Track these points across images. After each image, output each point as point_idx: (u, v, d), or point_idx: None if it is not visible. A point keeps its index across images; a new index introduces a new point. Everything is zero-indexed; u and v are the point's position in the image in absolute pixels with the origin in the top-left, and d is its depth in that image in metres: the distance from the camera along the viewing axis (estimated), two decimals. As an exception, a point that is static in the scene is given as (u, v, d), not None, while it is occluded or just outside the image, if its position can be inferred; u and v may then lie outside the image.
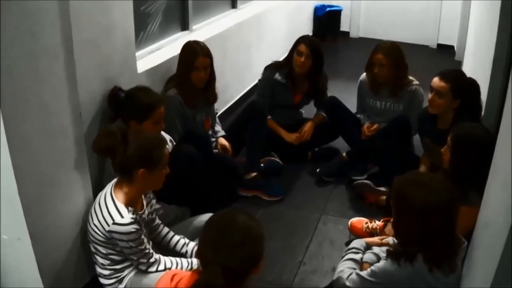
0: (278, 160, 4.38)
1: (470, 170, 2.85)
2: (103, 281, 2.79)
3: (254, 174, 4.00)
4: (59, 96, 2.52)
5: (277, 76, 4.38)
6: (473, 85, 3.50)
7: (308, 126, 4.47)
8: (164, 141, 2.67)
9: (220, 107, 5.07)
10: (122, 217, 2.53)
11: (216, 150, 3.99)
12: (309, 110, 4.74)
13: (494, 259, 1.72)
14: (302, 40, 4.30)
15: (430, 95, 3.53)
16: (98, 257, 2.73)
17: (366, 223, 3.45)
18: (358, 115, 4.51)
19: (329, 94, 4.62)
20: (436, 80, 3.49)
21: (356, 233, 3.48)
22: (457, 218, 2.26)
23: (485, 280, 1.79)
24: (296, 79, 4.40)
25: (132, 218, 2.55)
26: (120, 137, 2.54)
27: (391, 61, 4.08)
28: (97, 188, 2.87)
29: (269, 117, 4.43)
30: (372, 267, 2.43)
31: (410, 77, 4.21)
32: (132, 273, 2.75)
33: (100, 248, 2.68)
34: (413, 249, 2.26)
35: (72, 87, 2.59)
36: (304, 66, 4.26)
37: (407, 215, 2.28)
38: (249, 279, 2.01)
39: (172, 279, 2.06)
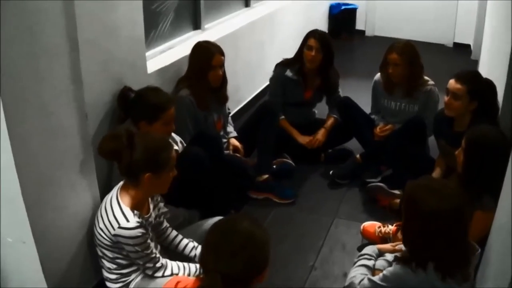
0: (290, 161, 4.31)
1: (483, 174, 2.77)
2: (109, 285, 2.75)
3: (265, 176, 3.95)
4: (60, 96, 2.48)
5: (288, 72, 4.32)
6: (489, 86, 3.40)
7: (320, 135, 4.39)
8: (170, 144, 2.62)
9: (233, 108, 5.01)
10: (127, 221, 2.49)
11: (228, 151, 3.93)
12: (322, 111, 4.66)
13: (509, 266, 1.67)
14: (311, 34, 4.24)
15: (446, 98, 3.44)
16: (104, 261, 2.70)
17: (379, 227, 3.38)
18: (373, 116, 4.43)
19: (343, 92, 4.55)
20: (452, 82, 3.40)
21: (368, 238, 3.41)
22: (469, 226, 2.19)
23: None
24: (307, 74, 4.33)
25: (138, 222, 2.50)
26: (126, 140, 2.48)
27: (406, 60, 4.00)
28: (106, 190, 2.82)
29: (282, 116, 4.38)
30: (384, 272, 2.38)
31: (426, 77, 4.13)
32: (139, 278, 2.70)
33: (106, 252, 2.64)
34: (422, 257, 2.20)
35: (76, 87, 2.55)
36: (314, 60, 4.20)
37: (416, 221, 2.22)
38: (253, 286, 1.96)
39: (176, 286, 2.01)
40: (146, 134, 2.62)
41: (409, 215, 2.27)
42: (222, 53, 3.71)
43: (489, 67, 4.67)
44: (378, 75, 4.31)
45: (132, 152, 2.48)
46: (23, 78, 2.23)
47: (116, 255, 2.63)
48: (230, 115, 4.28)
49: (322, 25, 7.84)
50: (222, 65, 3.71)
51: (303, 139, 4.38)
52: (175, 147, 3.30)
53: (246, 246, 1.89)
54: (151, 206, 2.75)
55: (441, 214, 2.12)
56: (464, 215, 2.17)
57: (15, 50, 2.15)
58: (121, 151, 2.49)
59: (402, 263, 2.27)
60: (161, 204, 2.93)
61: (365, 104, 4.48)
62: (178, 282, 2.04)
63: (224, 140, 4.03)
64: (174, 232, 2.95)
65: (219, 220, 2.05)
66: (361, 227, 3.47)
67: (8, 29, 2.07)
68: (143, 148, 2.49)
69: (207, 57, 3.65)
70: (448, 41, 7.74)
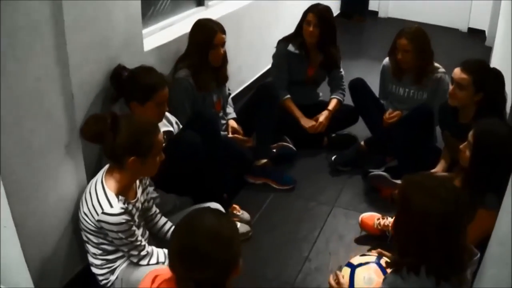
0: (291, 145, 4.19)
1: (489, 171, 2.64)
2: (95, 270, 2.69)
3: (264, 160, 3.84)
4: (45, 77, 2.37)
5: (290, 47, 4.20)
6: (497, 76, 3.25)
7: (324, 117, 4.25)
8: (157, 127, 2.50)
9: (235, 88, 4.90)
10: (111, 206, 2.40)
11: (225, 133, 3.83)
12: (327, 94, 4.51)
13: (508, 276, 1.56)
14: (311, 9, 4.11)
15: (450, 87, 3.31)
16: (90, 246, 2.63)
17: (378, 219, 3.27)
18: (381, 101, 4.29)
19: (355, 75, 4.38)
20: (457, 72, 3.25)
21: (367, 230, 3.32)
22: (465, 230, 2.04)
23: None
24: (309, 49, 4.20)
25: (122, 208, 2.41)
26: (110, 123, 2.38)
27: (415, 47, 3.84)
28: (96, 172, 2.70)
29: (287, 96, 4.26)
30: (382, 285, 2.22)
31: (436, 64, 3.98)
32: (124, 265, 2.64)
33: (91, 237, 2.57)
34: (411, 258, 2.05)
35: (61, 66, 2.44)
36: (312, 35, 4.07)
37: (405, 218, 2.07)
38: (230, 282, 1.86)
39: (153, 281, 1.92)
40: (131, 117, 2.51)
41: (400, 211, 2.13)
42: (224, 32, 3.58)
43: (502, 55, 4.51)
44: (386, 59, 4.17)
45: (116, 135, 2.38)
46: (5, 58, 2.13)
47: (101, 240, 2.56)
48: (232, 96, 4.16)
49: (334, 5, 7.62)
50: (223, 44, 3.59)
51: (306, 122, 4.25)
52: (169, 129, 3.21)
53: (214, 248, 1.77)
54: (139, 191, 2.65)
55: (431, 215, 1.97)
56: (458, 218, 2.01)
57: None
58: (104, 133, 2.39)
59: (393, 269, 2.13)
60: (151, 189, 2.84)
61: (376, 87, 4.35)
62: (156, 276, 1.94)
63: (223, 122, 3.92)
64: (164, 219, 2.86)
65: (180, 222, 1.92)
66: (360, 218, 3.35)
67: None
68: (127, 131, 2.39)
69: (208, 35, 3.52)
70: (462, 26, 7.52)
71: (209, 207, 2.01)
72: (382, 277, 2.35)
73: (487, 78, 3.21)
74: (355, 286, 2.43)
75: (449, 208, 1.96)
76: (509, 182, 1.94)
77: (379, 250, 2.64)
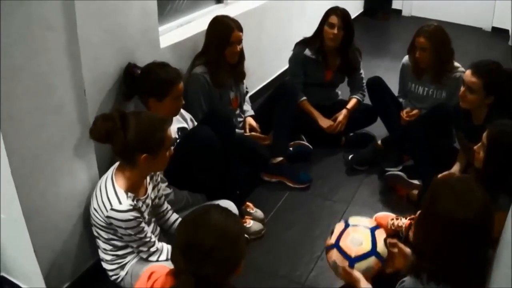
0: (307, 144, 4.17)
1: (503, 172, 2.58)
2: (105, 266, 2.71)
3: (280, 158, 3.82)
4: (57, 71, 2.40)
5: (307, 51, 4.15)
6: (510, 78, 3.18)
7: (342, 117, 4.22)
8: (165, 121, 2.50)
9: (257, 85, 4.91)
10: (120, 203, 2.41)
11: (242, 131, 3.82)
12: (347, 92, 4.48)
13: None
14: (332, 11, 4.05)
15: (462, 89, 3.24)
16: (100, 242, 2.65)
17: (392, 219, 3.22)
18: (400, 100, 4.25)
19: (374, 73, 4.34)
20: (468, 74, 3.18)
21: (380, 229, 3.28)
22: (491, 243, 1.99)
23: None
24: (327, 54, 4.16)
25: (131, 205, 2.42)
26: (119, 121, 2.38)
27: (433, 45, 3.78)
28: (107, 168, 2.70)
29: (304, 97, 4.22)
30: (403, 283, 2.18)
31: (456, 63, 3.91)
32: (134, 260, 2.65)
33: (101, 233, 2.59)
34: (428, 265, 2.00)
35: (73, 61, 2.46)
36: (336, 38, 4.02)
37: (428, 219, 2.03)
38: (230, 282, 1.87)
39: (149, 277, 1.92)
40: (139, 114, 2.50)
41: (425, 211, 2.09)
42: (241, 29, 3.57)
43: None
44: (406, 58, 4.12)
45: (126, 133, 2.38)
46: (15, 52, 2.15)
47: (111, 236, 2.57)
48: (252, 92, 4.13)
49: (357, 3, 7.63)
50: (240, 41, 3.57)
51: (324, 122, 4.21)
52: (184, 125, 3.21)
53: (218, 245, 1.77)
54: (150, 187, 2.66)
55: (454, 221, 1.92)
56: (484, 228, 1.96)
57: (6, 22, 2.06)
58: (114, 133, 2.38)
59: (413, 275, 2.07)
60: (163, 185, 2.84)
61: (393, 85, 4.30)
62: (152, 273, 1.94)
63: (240, 119, 3.91)
64: (175, 215, 2.87)
65: (187, 217, 1.92)
66: (374, 217, 3.32)
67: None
68: (137, 129, 2.39)
69: (225, 32, 3.51)
70: (486, 25, 7.41)
71: (218, 205, 1.98)
72: (369, 246, 2.34)
73: (498, 82, 3.14)
74: (341, 242, 2.40)
75: (475, 216, 1.92)
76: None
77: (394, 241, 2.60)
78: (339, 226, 2.48)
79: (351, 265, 2.35)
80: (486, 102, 3.17)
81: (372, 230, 2.43)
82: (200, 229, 1.81)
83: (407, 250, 2.41)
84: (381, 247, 2.38)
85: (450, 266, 1.97)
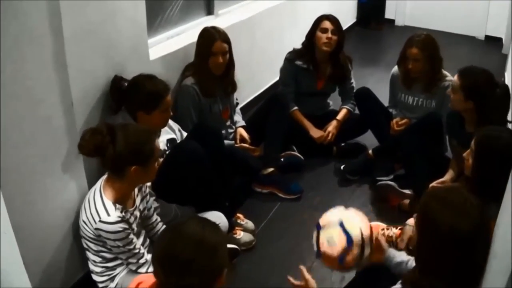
0: (298, 155, 4.18)
1: (492, 179, 2.58)
2: (95, 278, 2.70)
3: (271, 169, 3.82)
4: (44, 84, 2.41)
5: (298, 61, 4.18)
6: (492, 88, 3.20)
7: (332, 127, 4.24)
8: (153, 134, 2.52)
9: (248, 95, 4.92)
10: (108, 215, 2.42)
11: (232, 142, 3.83)
12: (338, 102, 4.50)
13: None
14: (324, 17, 4.09)
15: None
16: (90, 254, 2.65)
17: (383, 229, 3.23)
18: (390, 110, 4.26)
19: (370, 83, 4.37)
20: (456, 75, 3.28)
21: (370, 239, 3.28)
22: (487, 247, 1.95)
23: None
24: (318, 63, 4.19)
25: (119, 216, 2.43)
26: (108, 135, 2.39)
27: (427, 55, 3.81)
28: (96, 180, 2.70)
29: (295, 107, 4.24)
30: None
31: (444, 72, 3.94)
32: (124, 272, 2.65)
33: (91, 245, 2.59)
34: (434, 280, 1.95)
35: (61, 74, 2.47)
36: (331, 42, 4.04)
37: (431, 238, 1.97)
38: None
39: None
40: (126, 126, 2.51)
41: (423, 229, 2.03)
42: (225, 41, 3.58)
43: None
44: (395, 68, 4.14)
45: (115, 146, 2.39)
46: (2, 65, 2.15)
47: (100, 248, 2.57)
48: (245, 103, 4.13)
49: (350, 13, 7.66)
50: (224, 52, 3.57)
51: (315, 133, 4.23)
52: (172, 136, 3.22)
53: (196, 257, 1.77)
54: (138, 199, 2.67)
55: (460, 233, 1.88)
56: (484, 235, 1.93)
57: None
58: (103, 146, 2.39)
59: (406, 286, 2.04)
60: (151, 199, 2.83)
61: (385, 94, 4.33)
62: (139, 283, 1.94)
63: (231, 130, 3.92)
64: (164, 228, 2.86)
65: (165, 229, 1.93)
66: (365, 227, 3.33)
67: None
68: (127, 142, 2.40)
69: (208, 43, 3.54)
70: (479, 34, 7.46)
71: (196, 216, 1.99)
72: (344, 240, 2.31)
73: (477, 87, 3.17)
74: (320, 246, 2.39)
75: (477, 224, 1.90)
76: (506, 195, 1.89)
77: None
78: (314, 234, 2.46)
79: (341, 262, 2.33)
80: (467, 107, 3.23)
81: (341, 224, 2.38)
82: (177, 241, 1.81)
83: (384, 243, 2.44)
84: (356, 234, 2.33)
85: (456, 277, 1.94)
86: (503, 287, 1.50)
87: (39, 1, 2.27)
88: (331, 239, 2.37)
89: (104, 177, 2.56)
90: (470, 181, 2.71)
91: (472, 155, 2.68)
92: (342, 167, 4.10)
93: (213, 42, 3.51)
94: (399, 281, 2.10)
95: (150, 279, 1.93)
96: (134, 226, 2.58)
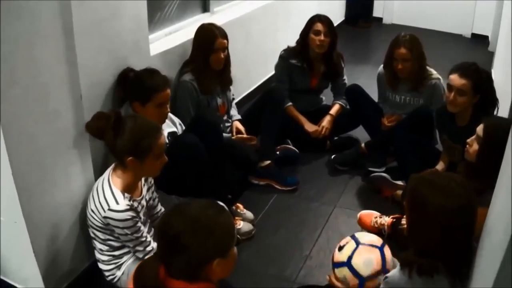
0: (294, 148, 4.28)
1: (493, 166, 2.68)
2: (102, 266, 2.76)
3: (267, 162, 3.91)
4: (55, 77, 2.48)
5: (292, 60, 4.28)
6: (488, 77, 3.34)
7: (326, 121, 4.34)
8: (158, 130, 2.58)
9: (242, 91, 5.00)
10: (117, 203, 2.49)
11: (229, 135, 3.92)
12: (330, 97, 4.61)
13: (493, 270, 1.60)
14: (316, 19, 4.19)
15: (450, 94, 3.32)
16: (96, 243, 2.71)
17: (376, 217, 3.35)
18: (381, 105, 4.36)
19: (359, 80, 4.47)
20: (455, 78, 3.27)
21: (364, 227, 3.41)
22: (475, 224, 2.05)
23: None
24: (312, 61, 4.29)
25: (128, 205, 2.50)
26: (113, 121, 2.47)
27: (415, 54, 3.90)
28: (102, 171, 2.79)
29: (290, 103, 4.34)
30: (386, 279, 2.21)
31: (429, 69, 4.03)
32: (130, 260, 2.71)
33: (98, 234, 2.65)
34: (428, 259, 2.05)
35: (71, 68, 2.55)
36: (323, 45, 4.15)
37: (423, 220, 2.07)
38: (212, 277, 1.83)
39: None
40: (136, 118, 2.59)
41: (414, 214, 2.13)
42: (225, 37, 3.68)
43: (505, 59, 4.57)
44: (381, 68, 4.23)
45: (116, 134, 2.48)
46: (14, 58, 2.23)
47: (107, 236, 2.64)
48: (239, 98, 4.21)
49: (339, 11, 7.76)
50: (224, 48, 3.68)
51: (310, 127, 4.33)
52: (173, 129, 3.30)
53: (186, 231, 1.76)
54: (144, 189, 2.74)
55: (449, 212, 1.99)
56: (473, 212, 2.03)
57: (7, 30, 2.15)
58: (105, 131, 2.49)
59: (402, 269, 2.12)
60: (153, 188, 2.91)
61: (376, 92, 4.43)
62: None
63: (228, 124, 4.01)
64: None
65: (167, 210, 1.99)
66: (358, 215, 3.44)
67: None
68: (127, 131, 2.48)
69: (209, 40, 3.62)
70: (466, 32, 7.60)
71: (205, 199, 1.99)
72: (380, 266, 2.41)
73: (482, 80, 3.28)
74: (353, 261, 2.47)
75: (463, 202, 2.00)
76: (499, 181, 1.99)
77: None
78: (350, 244, 2.52)
79: (361, 283, 2.44)
80: (472, 102, 3.30)
81: (381, 249, 2.50)
82: (174, 216, 1.82)
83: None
84: (389, 263, 2.46)
85: (450, 256, 2.04)
86: (497, 265, 1.59)
87: (51, 0, 2.36)
88: (368, 260, 2.46)
89: (112, 166, 2.64)
90: (472, 166, 2.79)
91: (478, 141, 2.75)
92: (332, 157, 4.21)
93: (214, 39, 3.60)
94: (398, 265, 2.20)
95: None
96: (141, 215, 2.66)
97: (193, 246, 1.75)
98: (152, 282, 1.81)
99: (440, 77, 3.98)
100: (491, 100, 3.31)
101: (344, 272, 2.49)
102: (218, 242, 1.79)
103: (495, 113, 3.39)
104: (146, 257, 2.64)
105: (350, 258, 2.48)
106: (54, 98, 2.50)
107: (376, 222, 3.31)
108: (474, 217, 2.03)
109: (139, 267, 1.88)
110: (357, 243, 2.53)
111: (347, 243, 2.54)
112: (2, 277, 2.86)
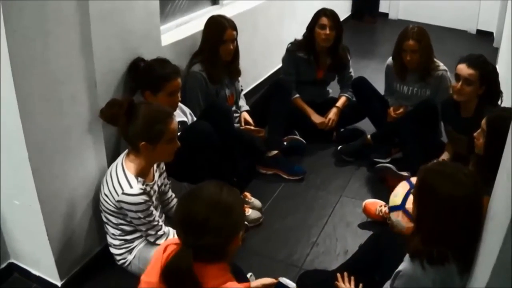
0: (301, 139, 4.34)
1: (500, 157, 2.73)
2: (113, 251, 2.83)
3: (275, 152, 3.98)
4: (70, 64, 2.54)
5: (299, 53, 4.34)
6: (494, 69, 3.39)
7: (333, 113, 4.41)
8: (170, 116, 2.64)
9: (250, 83, 5.06)
10: (131, 187, 2.55)
11: (238, 125, 3.99)
12: (337, 90, 4.67)
13: (493, 256, 1.66)
14: (322, 13, 4.24)
15: (457, 84, 3.39)
16: (109, 227, 2.77)
17: (380, 206, 3.41)
18: (387, 98, 4.41)
19: (365, 74, 4.52)
20: (463, 68, 3.35)
21: (369, 215, 3.47)
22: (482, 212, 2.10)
23: (483, 278, 1.72)
24: (318, 54, 4.35)
25: (141, 189, 2.56)
26: (126, 108, 2.54)
27: (423, 46, 3.95)
28: (114, 157, 2.87)
29: (297, 95, 4.41)
30: (400, 273, 2.21)
31: (436, 61, 4.09)
32: (142, 245, 2.77)
33: (111, 218, 2.71)
34: (438, 248, 2.09)
35: (86, 55, 2.61)
36: (329, 38, 4.21)
37: (432, 208, 2.12)
38: (231, 254, 1.99)
39: (164, 250, 2.03)
40: (148, 104, 2.67)
41: (423, 201, 2.18)
42: (234, 28, 3.74)
43: (509, 55, 4.61)
44: (390, 60, 4.28)
45: (129, 120, 2.55)
46: (32, 44, 2.29)
47: (120, 221, 2.70)
48: (247, 90, 4.27)
49: (345, 6, 7.79)
50: (234, 39, 3.75)
51: (316, 118, 4.39)
52: (184, 119, 3.36)
53: (211, 215, 1.88)
54: (157, 174, 2.81)
55: (457, 200, 2.05)
56: (479, 200, 2.09)
57: (24, 17, 2.21)
58: (118, 117, 2.56)
59: (413, 260, 2.15)
60: (165, 175, 2.97)
61: (382, 85, 4.48)
62: (167, 246, 2.06)
63: (236, 115, 4.07)
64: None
65: (185, 193, 2.05)
66: (363, 204, 3.50)
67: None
68: (140, 117, 2.55)
69: (219, 31, 3.69)
70: (471, 28, 7.62)
71: (214, 180, 2.09)
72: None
73: (488, 72, 3.34)
74: (407, 205, 2.60)
75: (472, 190, 2.06)
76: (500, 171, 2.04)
77: None
78: (404, 187, 2.58)
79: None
80: (478, 93, 3.36)
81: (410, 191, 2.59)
82: (193, 202, 1.93)
83: None
84: None
85: (459, 244, 2.08)
86: (499, 247, 1.64)
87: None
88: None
89: (125, 152, 2.71)
90: (482, 159, 2.82)
91: (483, 135, 2.79)
92: (339, 147, 4.27)
93: (224, 30, 3.67)
94: (407, 254, 2.22)
95: (176, 241, 2.06)
96: (153, 199, 2.72)
97: (223, 225, 1.90)
98: (188, 273, 1.89)
99: (447, 68, 4.03)
100: (496, 92, 3.37)
101: (399, 215, 2.54)
102: (240, 215, 2.00)
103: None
104: (158, 241, 2.70)
105: (404, 201, 2.54)
106: (69, 84, 2.56)
107: (381, 210, 3.37)
108: (481, 206, 2.09)
109: (169, 263, 1.93)
110: (411, 186, 2.58)
111: (402, 188, 2.58)
112: (13, 260, 2.92)
